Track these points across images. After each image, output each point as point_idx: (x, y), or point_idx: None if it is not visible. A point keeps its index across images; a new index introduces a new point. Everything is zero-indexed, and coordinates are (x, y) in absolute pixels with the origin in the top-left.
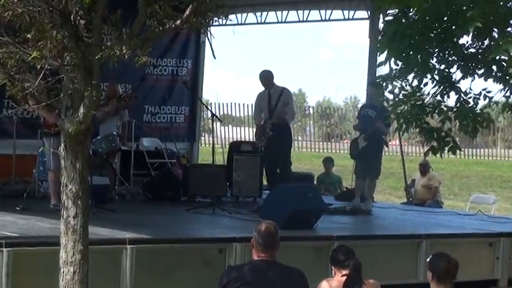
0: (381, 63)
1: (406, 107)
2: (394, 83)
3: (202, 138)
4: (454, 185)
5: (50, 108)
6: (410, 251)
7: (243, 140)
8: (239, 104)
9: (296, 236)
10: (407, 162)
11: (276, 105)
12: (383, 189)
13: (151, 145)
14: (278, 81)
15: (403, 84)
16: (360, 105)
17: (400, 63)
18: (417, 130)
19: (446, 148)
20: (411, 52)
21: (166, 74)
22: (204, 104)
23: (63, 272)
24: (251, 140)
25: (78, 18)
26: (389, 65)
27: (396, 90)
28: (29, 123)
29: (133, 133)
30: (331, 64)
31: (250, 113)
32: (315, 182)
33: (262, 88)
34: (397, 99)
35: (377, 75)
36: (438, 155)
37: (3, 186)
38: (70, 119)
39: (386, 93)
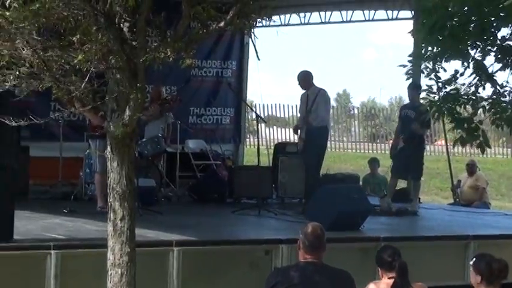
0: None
1: (439, 95)
2: (427, 64)
3: (247, 139)
4: (501, 185)
5: (95, 110)
6: (457, 252)
7: (288, 141)
8: (283, 105)
9: (342, 238)
10: (453, 162)
11: (310, 108)
12: (429, 189)
13: (197, 147)
14: (322, 82)
15: (437, 67)
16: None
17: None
18: (449, 119)
19: (475, 143)
20: (451, 42)
21: (211, 75)
22: (248, 106)
23: (111, 274)
24: (296, 141)
25: (123, 21)
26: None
27: (428, 72)
28: (75, 126)
29: (179, 135)
30: (375, 64)
31: (294, 113)
32: (361, 183)
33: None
34: (427, 86)
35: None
36: (481, 153)
37: (50, 188)
38: (116, 121)
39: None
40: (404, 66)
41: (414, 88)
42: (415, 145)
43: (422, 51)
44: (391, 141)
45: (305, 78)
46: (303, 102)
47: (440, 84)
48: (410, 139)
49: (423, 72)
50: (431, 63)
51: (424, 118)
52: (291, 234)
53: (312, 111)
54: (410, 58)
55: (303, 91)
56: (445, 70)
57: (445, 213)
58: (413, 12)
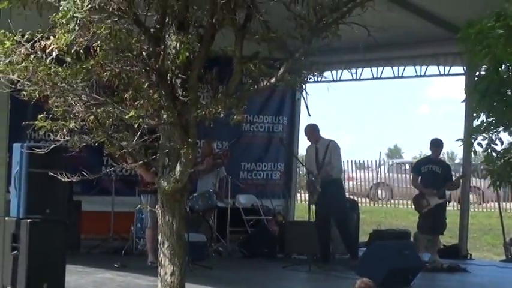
0: (474, 118)
1: (499, 164)
2: (484, 135)
3: (298, 194)
4: None
5: (147, 166)
6: None
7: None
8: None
9: None
10: (505, 218)
11: (323, 160)
12: (481, 246)
13: (248, 202)
14: (373, 138)
15: (493, 137)
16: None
17: (491, 118)
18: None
19: None
20: (504, 108)
21: (263, 131)
22: (299, 161)
23: None
24: (348, 197)
25: (175, 77)
26: (480, 118)
27: (485, 143)
28: (127, 181)
29: (230, 190)
30: (428, 119)
31: (345, 168)
32: (412, 239)
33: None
34: (487, 153)
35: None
36: None
37: (101, 242)
38: (167, 177)
39: (475, 145)
40: (462, 140)
41: (438, 145)
42: (445, 201)
43: (477, 122)
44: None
45: (313, 132)
46: (311, 155)
47: (499, 154)
48: (444, 195)
49: (481, 146)
50: (487, 134)
51: (451, 175)
52: None
53: (326, 163)
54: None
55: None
56: (502, 142)
57: (497, 270)
58: (464, 68)
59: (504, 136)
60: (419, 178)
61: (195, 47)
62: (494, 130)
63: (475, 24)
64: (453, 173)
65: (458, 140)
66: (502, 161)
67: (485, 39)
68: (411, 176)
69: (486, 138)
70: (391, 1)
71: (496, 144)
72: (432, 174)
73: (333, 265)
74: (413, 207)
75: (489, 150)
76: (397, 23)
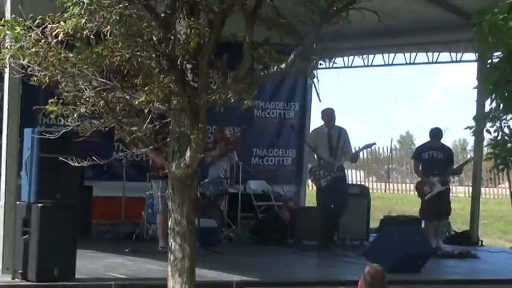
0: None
1: (505, 148)
2: (493, 123)
3: (309, 180)
4: None
5: (158, 151)
6: None
7: (349, 182)
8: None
9: (404, 280)
10: None
11: (337, 146)
12: (492, 232)
13: (259, 188)
14: (385, 124)
15: (502, 124)
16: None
17: (502, 105)
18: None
19: None
20: None
21: (274, 117)
22: (310, 146)
23: None
24: (359, 183)
25: (185, 63)
26: (491, 105)
27: (493, 129)
28: (138, 166)
29: (241, 175)
30: (440, 106)
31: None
32: (423, 225)
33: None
34: (494, 139)
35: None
36: None
37: (112, 228)
38: (177, 162)
39: (484, 132)
40: (471, 127)
41: (437, 136)
42: (448, 187)
43: (487, 110)
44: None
45: (332, 116)
46: (323, 138)
47: (506, 137)
48: (447, 181)
49: (489, 133)
50: (497, 122)
51: (453, 160)
52: (352, 276)
53: (339, 148)
54: (475, 119)
55: (322, 128)
56: (510, 128)
57: (507, 256)
58: (476, 55)
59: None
60: (421, 165)
61: (205, 32)
62: (503, 117)
63: (487, 12)
64: None
65: (466, 128)
66: (509, 145)
67: (498, 32)
68: (413, 163)
69: (495, 125)
70: None
71: (505, 133)
72: (434, 160)
73: (343, 251)
74: None
75: (498, 137)
76: (408, 9)
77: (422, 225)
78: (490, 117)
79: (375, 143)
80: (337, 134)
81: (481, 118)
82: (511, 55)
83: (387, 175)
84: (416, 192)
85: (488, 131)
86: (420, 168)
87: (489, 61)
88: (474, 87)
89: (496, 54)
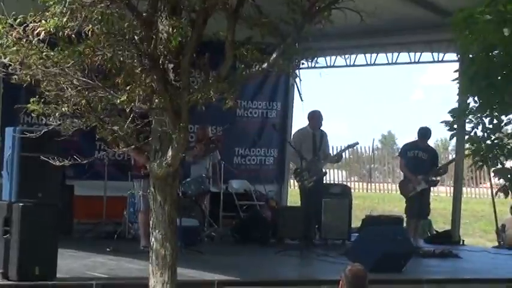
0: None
1: (483, 145)
2: (470, 118)
3: (291, 180)
4: None
5: (140, 150)
6: None
7: (331, 182)
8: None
9: (385, 279)
10: (498, 205)
11: (319, 147)
12: (474, 232)
13: (241, 187)
14: (367, 124)
15: (479, 121)
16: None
17: (478, 101)
18: (492, 169)
19: None
20: (492, 92)
21: (256, 116)
22: (292, 146)
23: None
24: (340, 183)
25: (167, 62)
26: (467, 101)
27: (470, 126)
28: (120, 165)
29: (223, 175)
30: (422, 106)
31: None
32: (405, 225)
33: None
34: (471, 135)
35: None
36: None
37: (94, 227)
38: (159, 161)
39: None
40: (447, 122)
41: (425, 136)
42: (429, 186)
43: (465, 106)
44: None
45: (318, 118)
46: (308, 139)
47: (485, 134)
48: (428, 180)
49: (466, 132)
50: (474, 117)
51: (437, 161)
52: (333, 276)
53: (322, 151)
54: (451, 113)
55: (307, 129)
56: (484, 126)
57: (489, 256)
58: (458, 55)
59: (487, 121)
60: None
61: (187, 31)
62: (479, 115)
63: (467, 10)
64: None
65: (442, 122)
66: (489, 142)
67: (474, 24)
68: (399, 160)
69: (472, 121)
70: None
71: (485, 129)
72: (417, 159)
73: (324, 250)
74: None
75: (474, 132)
76: (391, 9)
77: (404, 225)
78: (467, 113)
79: (357, 143)
80: (320, 136)
81: (458, 113)
82: (488, 49)
83: (369, 175)
84: (399, 191)
85: (463, 127)
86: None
87: (467, 56)
88: (453, 80)
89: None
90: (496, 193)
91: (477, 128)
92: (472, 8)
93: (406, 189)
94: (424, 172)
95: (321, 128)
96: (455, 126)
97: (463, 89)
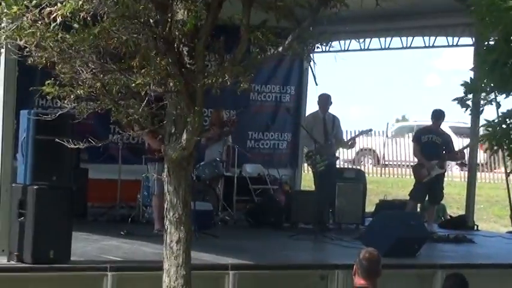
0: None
1: (499, 128)
2: (483, 96)
3: (305, 164)
4: None
5: (154, 134)
6: None
7: (345, 166)
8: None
9: (399, 264)
10: None
11: (331, 132)
12: (488, 217)
13: (254, 171)
14: (381, 108)
15: (492, 100)
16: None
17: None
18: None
19: None
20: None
21: (270, 100)
22: (306, 130)
23: None
24: (354, 167)
25: (182, 45)
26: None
27: (483, 102)
28: (134, 149)
29: (237, 159)
30: (437, 90)
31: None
32: (418, 210)
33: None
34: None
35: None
36: None
37: (108, 210)
38: (173, 145)
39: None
40: (459, 98)
41: (439, 118)
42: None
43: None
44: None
45: (328, 101)
46: (319, 123)
47: (500, 118)
48: (443, 165)
49: (475, 105)
50: (487, 95)
51: (452, 145)
52: (347, 260)
53: (333, 134)
54: (464, 86)
55: (317, 113)
56: (499, 105)
57: (503, 241)
58: (473, 39)
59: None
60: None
61: (202, 15)
62: (492, 94)
63: None
64: None
65: (454, 99)
66: (504, 126)
67: (496, 11)
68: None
69: (485, 100)
70: None
71: (492, 104)
72: (432, 144)
73: (338, 235)
74: None
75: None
76: None
77: (418, 210)
78: (480, 89)
79: (371, 130)
80: (331, 121)
81: (469, 86)
82: (509, 36)
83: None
84: (413, 176)
85: (474, 103)
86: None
87: (486, 43)
88: (471, 69)
89: (493, 37)
90: (508, 174)
91: (490, 104)
92: None
93: (420, 174)
94: (439, 156)
95: (333, 114)
96: (468, 102)
97: (482, 76)
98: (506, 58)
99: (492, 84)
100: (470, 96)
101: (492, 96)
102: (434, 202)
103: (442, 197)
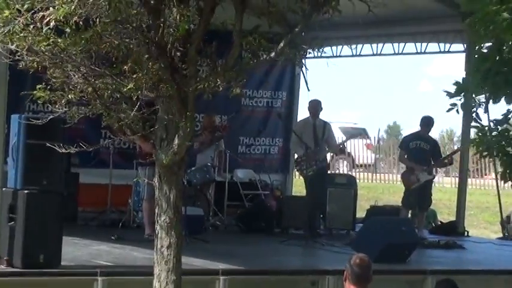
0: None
1: (490, 134)
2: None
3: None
4: None
5: (145, 138)
6: (505, 286)
7: (336, 172)
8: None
9: (389, 270)
10: (503, 196)
11: (322, 137)
12: (478, 223)
13: (246, 176)
14: (373, 114)
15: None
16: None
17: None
18: (498, 159)
19: None
20: (505, 88)
21: (262, 105)
22: (297, 136)
23: None
24: (345, 172)
25: (174, 50)
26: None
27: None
28: (125, 154)
29: (228, 164)
30: (429, 97)
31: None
32: (409, 216)
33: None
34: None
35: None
36: None
37: (99, 215)
38: (165, 149)
39: (459, 106)
40: (449, 92)
41: (428, 125)
42: (433, 177)
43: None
44: (441, 174)
45: (319, 107)
46: (309, 129)
47: (492, 124)
48: (431, 171)
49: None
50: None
51: (439, 152)
52: (338, 265)
53: (324, 140)
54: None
55: (307, 119)
56: (487, 109)
57: (493, 247)
58: (465, 45)
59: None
60: (407, 155)
61: (194, 20)
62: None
63: (477, 1)
64: None
65: (445, 91)
66: (495, 133)
67: (490, 23)
68: (399, 153)
69: (474, 101)
70: None
71: (481, 107)
72: (420, 150)
73: (329, 240)
74: None
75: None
76: None
77: (409, 215)
78: (469, 90)
79: (364, 130)
80: (322, 126)
81: (460, 86)
82: (502, 46)
83: (374, 165)
84: (402, 182)
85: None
86: (406, 157)
87: (479, 52)
88: (463, 78)
89: (486, 45)
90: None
91: (479, 107)
92: (486, 5)
93: (409, 180)
94: (427, 162)
95: (325, 120)
96: (458, 98)
97: (475, 84)
98: (498, 67)
99: (486, 94)
100: (461, 95)
101: (483, 99)
102: (423, 208)
103: (430, 203)
